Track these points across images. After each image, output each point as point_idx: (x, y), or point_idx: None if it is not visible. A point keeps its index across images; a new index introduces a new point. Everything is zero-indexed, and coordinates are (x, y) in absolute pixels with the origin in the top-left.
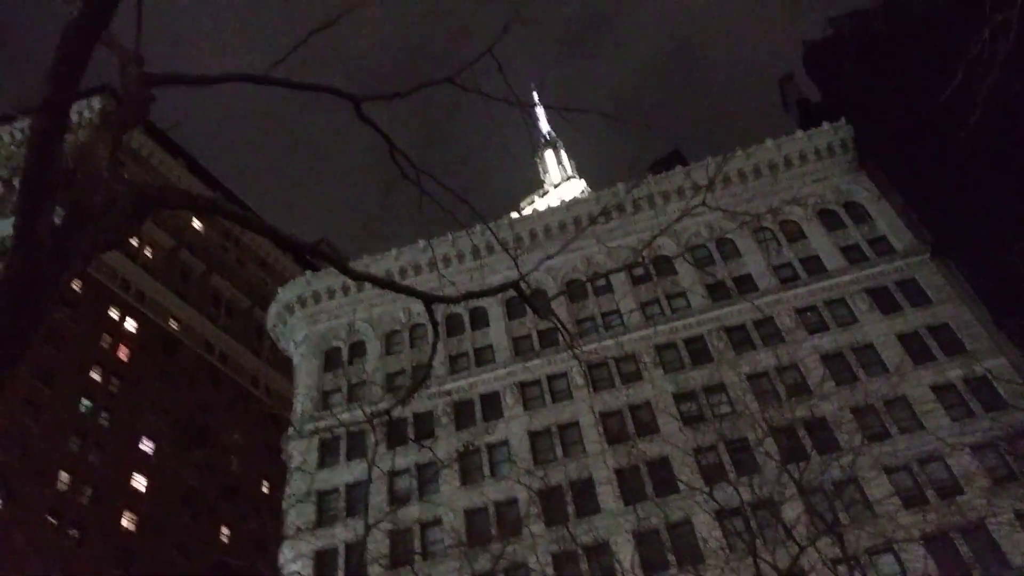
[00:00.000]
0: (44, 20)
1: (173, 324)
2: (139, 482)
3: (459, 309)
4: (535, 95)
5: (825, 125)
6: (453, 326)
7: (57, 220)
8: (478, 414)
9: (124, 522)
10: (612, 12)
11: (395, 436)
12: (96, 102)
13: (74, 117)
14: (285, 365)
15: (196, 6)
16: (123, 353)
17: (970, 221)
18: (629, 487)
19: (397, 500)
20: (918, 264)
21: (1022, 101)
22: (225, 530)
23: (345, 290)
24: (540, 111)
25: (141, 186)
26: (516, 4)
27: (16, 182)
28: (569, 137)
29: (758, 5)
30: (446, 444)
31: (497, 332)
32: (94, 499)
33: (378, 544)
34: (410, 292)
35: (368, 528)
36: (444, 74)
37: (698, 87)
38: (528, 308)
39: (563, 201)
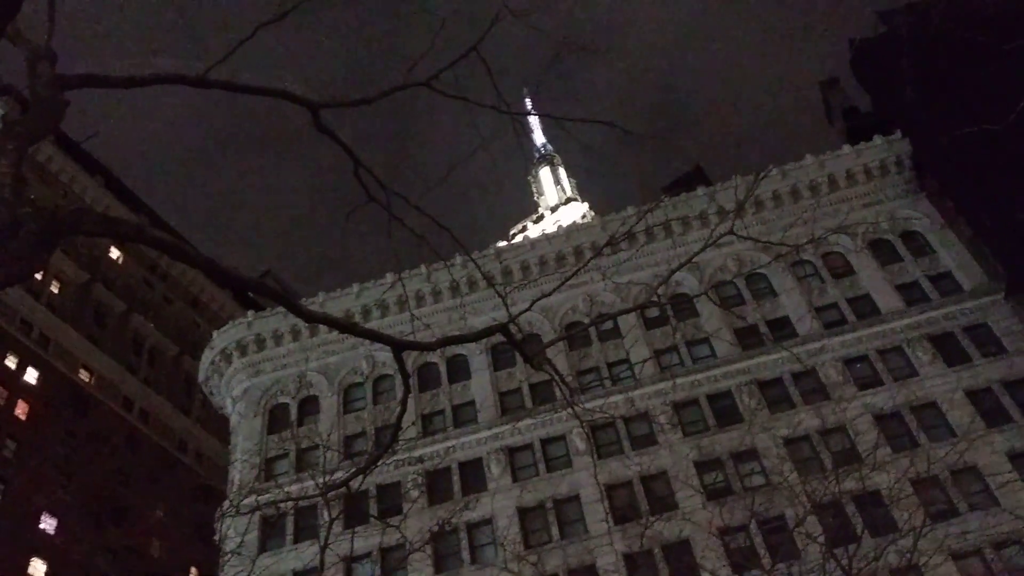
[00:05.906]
0: None
1: (84, 375)
2: (37, 569)
3: (434, 358)
4: (528, 103)
5: (877, 139)
6: (427, 378)
7: None
8: (456, 486)
9: None
10: (617, 17)
11: (354, 513)
12: None
13: None
14: (220, 426)
15: None
16: (21, 410)
17: None
18: None
19: None
20: (990, 306)
21: None
22: None
23: (295, 334)
24: (535, 121)
25: (51, 209)
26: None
27: None
28: (569, 153)
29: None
30: (417, 522)
31: (480, 386)
32: None
33: None
34: (375, 337)
35: None
36: (419, 78)
37: (723, 95)
38: (519, 356)
39: (561, 227)
